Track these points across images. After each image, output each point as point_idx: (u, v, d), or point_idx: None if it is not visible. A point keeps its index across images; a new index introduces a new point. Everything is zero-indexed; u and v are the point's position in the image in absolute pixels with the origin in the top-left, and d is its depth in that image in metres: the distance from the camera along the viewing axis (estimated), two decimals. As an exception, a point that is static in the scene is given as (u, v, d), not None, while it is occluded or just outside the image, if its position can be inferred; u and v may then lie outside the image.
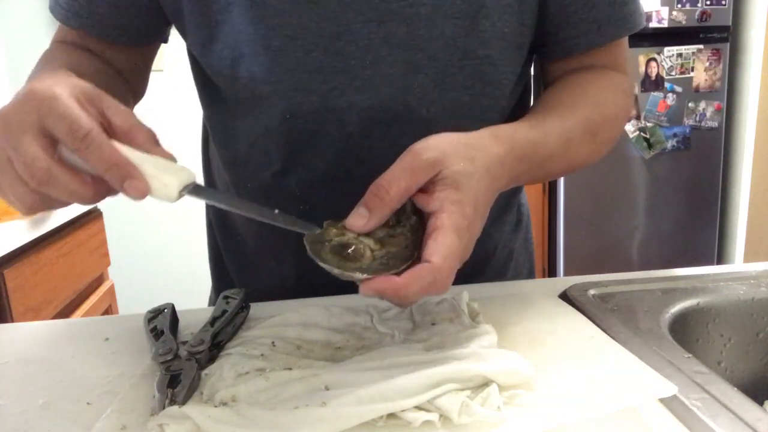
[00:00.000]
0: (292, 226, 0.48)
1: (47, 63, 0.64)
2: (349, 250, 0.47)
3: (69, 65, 0.61)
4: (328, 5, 0.58)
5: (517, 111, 0.71)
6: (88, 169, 0.46)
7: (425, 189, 0.47)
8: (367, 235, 0.49)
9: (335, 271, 0.45)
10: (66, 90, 0.46)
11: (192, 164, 0.51)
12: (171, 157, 0.48)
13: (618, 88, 0.67)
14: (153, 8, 0.66)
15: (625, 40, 0.69)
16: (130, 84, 0.73)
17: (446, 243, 0.44)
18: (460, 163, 0.48)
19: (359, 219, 0.46)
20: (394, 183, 0.46)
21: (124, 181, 0.44)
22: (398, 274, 0.44)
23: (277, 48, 0.59)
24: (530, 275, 0.84)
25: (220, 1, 0.60)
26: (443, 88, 0.62)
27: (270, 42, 0.59)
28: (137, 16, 0.66)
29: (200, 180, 0.78)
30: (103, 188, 0.46)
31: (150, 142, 0.47)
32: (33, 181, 0.44)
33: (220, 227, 0.78)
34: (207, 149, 0.78)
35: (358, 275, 0.44)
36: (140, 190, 0.45)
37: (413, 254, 0.46)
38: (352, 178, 0.64)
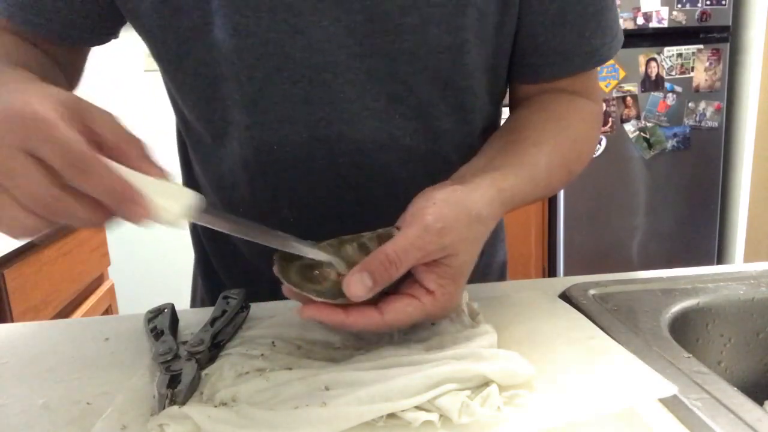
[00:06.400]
0: (304, 251, 0.49)
1: None
2: (315, 273, 0.48)
3: (17, 60, 0.57)
4: (314, 35, 0.57)
5: (489, 128, 0.70)
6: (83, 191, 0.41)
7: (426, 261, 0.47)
8: (345, 260, 0.50)
9: (294, 289, 0.46)
10: (45, 104, 0.39)
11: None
12: (168, 176, 0.43)
13: (595, 121, 0.69)
14: (107, 13, 0.62)
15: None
16: (67, 77, 0.67)
17: (407, 314, 0.46)
18: (467, 250, 0.48)
19: (362, 288, 0.44)
20: (405, 260, 0.45)
21: (127, 207, 0.40)
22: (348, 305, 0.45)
23: (262, 78, 0.58)
24: (502, 268, 0.82)
25: (194, 17, 0.57)
26: (425, 117, 0.62)
27: (254, 73, 0.58)
28: (89, 17, 0.62)
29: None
30: (106, 213, 0.41)
31: (144, 159, 0.42)
32: (41, 209, 0.39)
33: (208, 236, 0.76)
34: (187, 158, 0.74)
35: (313, 296, 0.45)
36: (143, 216, 0.40)
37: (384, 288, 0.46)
38: (343, 203, 0.64)
